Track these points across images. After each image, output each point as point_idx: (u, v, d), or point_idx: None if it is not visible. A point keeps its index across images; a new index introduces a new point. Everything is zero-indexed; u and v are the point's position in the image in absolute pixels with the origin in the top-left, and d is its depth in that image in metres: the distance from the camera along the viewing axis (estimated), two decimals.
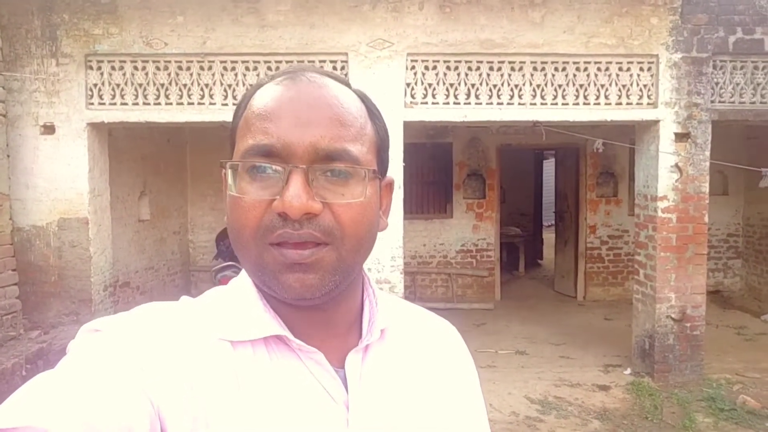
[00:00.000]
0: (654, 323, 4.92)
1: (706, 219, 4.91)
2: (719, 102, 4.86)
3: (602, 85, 4.79)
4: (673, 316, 4.88)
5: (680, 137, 4.80)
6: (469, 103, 4.76)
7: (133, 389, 0.55)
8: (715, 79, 4.84)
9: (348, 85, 0.68)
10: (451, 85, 4.76)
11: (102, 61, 4.65)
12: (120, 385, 0.54)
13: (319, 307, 0.65)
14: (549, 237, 10.63)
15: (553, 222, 9.24)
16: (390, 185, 0.72)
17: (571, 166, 8.08)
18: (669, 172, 4.84)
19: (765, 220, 7.66)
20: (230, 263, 5.47)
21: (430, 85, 4.76)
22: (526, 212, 11.30)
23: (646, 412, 4.45)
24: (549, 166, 11.17)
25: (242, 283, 0.69)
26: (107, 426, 0.51)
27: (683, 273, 4.88)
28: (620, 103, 4.80)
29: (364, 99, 0.69)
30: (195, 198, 7.72)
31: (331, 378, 0.64)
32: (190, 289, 7.66)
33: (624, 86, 4.80)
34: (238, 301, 0.67)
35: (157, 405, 0.56)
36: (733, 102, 4.87)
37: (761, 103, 4.86)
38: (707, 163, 4.84)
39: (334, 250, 0.60)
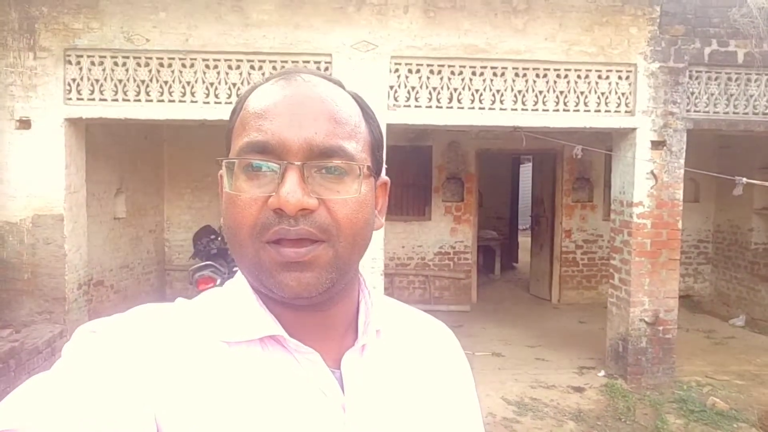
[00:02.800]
0: (628, 326, 5.03)
1: (680, 225, 5.04)
2: (694, 111, 4.99)
3: (582, 92, 4.88)
4: (646, 319, 4.99)
5: (656, 145, 4.92)
6: (452, 107, 4.80)
7: (130, 392, 0.55)
8: (691, 89, 4.97)
9: (342, 86, 0.68)
10: (434, 88, 4.80)
11: (81, 56, 4.57)
12: (116, 387, 0.54)
13: (316, 307, 0.65)
14: (524, 240, 10.76)
15: (529, 226, 9.36)
16: (386, 185, 0.73)
17: (548, 171, 8.20)
18: (645, 178, 4.95)
19: (734, 227, 7.87)
20: (208, 263, 5.42)
21: (413, 88, 4.79)
22: (503, 216, 11.42)
23: (620, 413, 4.55)
24: (526, 171, 11.31)
25: (238, 284, 0.69)
26: (104, 429, 0.51)
27: (657, 277, 5.00)
28: (599, 111, 4.90)
29: (358, 100, 0.69)
30: (172, 196, 7.62)
31: (327, 378, 0.64)
32: (165, 288, 7.56)
33: (603, 94, 4.90)
34: (234, 302, 0.67)
35: (154, 407, 0.56)
36: (707, 111, 5.01)
37: (734, 113, 5.00)
38: (682, 171, 4.96)
39: (331, 247, 0.61)
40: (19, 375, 4.06)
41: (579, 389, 5.01)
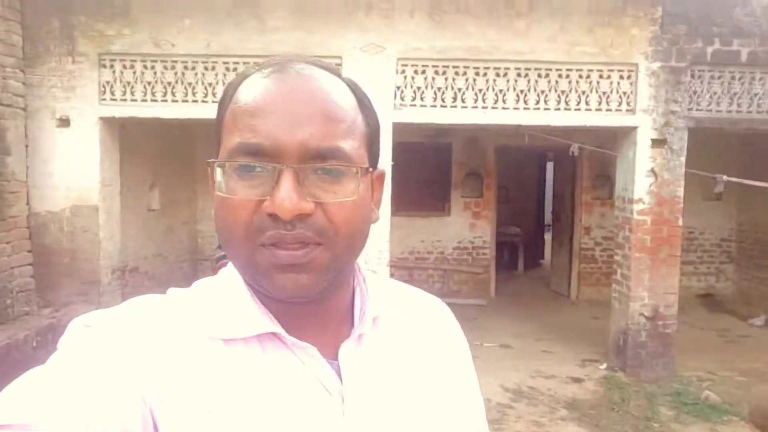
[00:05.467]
0: (628, 321, 5.15)
1: (681, 222, 5.12)
2: (696, 110, 5.06)
3: (583, 92, 5.03)
4: (645, 314, 5.11)
5: (657, 143, 5.02)
6: (456, 107, 5.03)
7: (126, 387, 0.55)
8: (693, 88, 5.05)
9: (338, 74, 0.66)
10: (439, 88, 5.04)
11: (114, 60, 5.02)
12: (112, 382, 0.54)
13: (311, 301, 0.64)
14: (550, 237, 10.82)
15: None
16: (381, 177, 0.71)
17: (568, 168, 8.29)
18: (645, 176, 5.06)
19: (757, 225, 7.79)
20: None
21: (418, 88, 5.04)
22: (529, 212, 11.51)
23: (614, 403, 4.69)
24: (551, 168, 11.35)
25: (232, 277, 0.68)
26: (100, 423, 0.51)
27: (657, 273, 5.11)
28: (600, 109, 5.03)
29: (354, 89, 0.67)
30: (204, 190, 8.09)
31: (325, 371, 0.64)
32: (198, 276, 8.03)
33: (604, 93, 5.03)
34: (229, 297, 0.66)
35: (149, 403, 0.56)
36: (710, 110, 5.07)
37: (737, 111, 5.05)
38: (682, 169, 5.05)
39: (328, 250, 0.60)
40: (55, 348, 4.53)
41: (578, 380, 5.17)
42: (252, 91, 0.61)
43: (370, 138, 0.66)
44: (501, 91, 5.03)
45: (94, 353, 0.57)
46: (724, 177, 4.44)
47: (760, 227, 7.71)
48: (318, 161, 0.59)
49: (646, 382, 5.07)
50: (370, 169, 0.65)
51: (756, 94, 5.01)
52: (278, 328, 0.63)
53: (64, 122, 5.03)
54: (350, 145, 0.61)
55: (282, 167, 0.57)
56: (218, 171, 0.61)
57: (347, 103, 0.63)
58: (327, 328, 0.68)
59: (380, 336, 0.71)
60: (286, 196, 0.56)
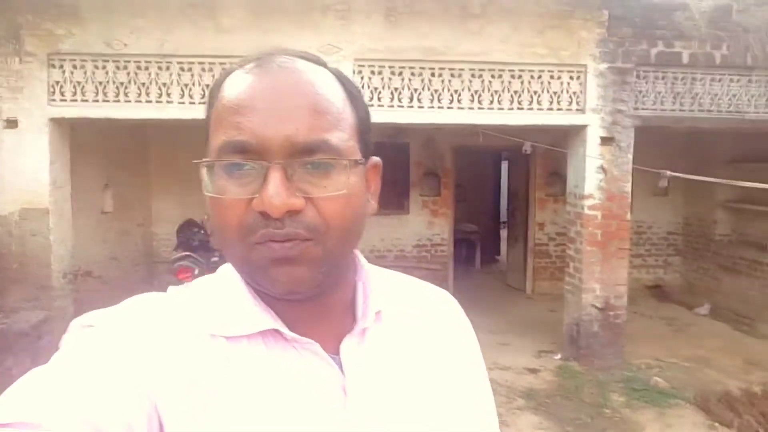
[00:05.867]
0: (580, 312, 5.34)
1: (629, 216, 5.34)
2: (642, 109, 5.28)
3: (535, 92, 5.18)
4: (597, 305, 5.30)
5: (606, 141, 5.22)
6: (412, 107, 5.11)
7: (130, 385, 0.55)
8: (639, 88, 5.26)
9: (323, 64, 0.66)
10: (396, 89, 5.11)
11: (64, 60, 4.90)
12: (117, 381, 0.54)
13: (311, 297, 0.64)
14: (506, 234, 11.06)
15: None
16: (377, 166, 0.70)
17: (522, 166, 8.49)
18: (595, 173, 5.25)
19: (701, 220, 8.16)
20: (187, 253, 5.75)
21: (375, 88, 5.10)
22: (486, 210, 11.73)
23: (568, 392, 4.86)
24: (507, 167, 11.59)
25: (232, 275, 0.68)
26: (106, 422, 0.51)
27: (607, 266, 5.31)
28: (552, 109, 5.20)
29: (341, 79, 0.66)
30: (159, 192, 7.96)
31: (327, 366, 0.64)
32: (153, 280, 7.91)
33: (555, 93, 5.20)
34: (230, 295, 0.66)
35: (154, 401, 0.56)
36: (655, 109, 5.30)
37: (680, 110, 5.30)
38: (630, 165, 5.26)
39: (319, 244, 0.60)
40: (5, 356, 4.40)
41: (534, 371, 5.33)
42: (235, 87, 0.60)
43: (360, 129, 0.65)
44: (456, 91, 5.14)
45: (98, 351, 0.57)
46: (668, 173, 4.65)
47: (704, 221, 8.09)
48: (306, 156, 0.58)
49: (599, 371, 5.26)
50: (362, 161, 0.64)
51: (697, 94, 5.26)
52: (279, 325, 0.63)
53: (12, 123, 4.88)
54: (338, 137, 0.60)
55: (269, 164, 0.57)
56: (206, 171, 0.60)
57: (333, 94, 0.62)
58: (329, 323, 0.68)
59: (384, 331, 0.70)
60: (275, 192, 0.56)
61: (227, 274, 0.69)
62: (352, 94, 0.66)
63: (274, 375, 0.62)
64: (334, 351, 0.66)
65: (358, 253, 0.72)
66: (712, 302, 7.66)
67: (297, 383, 0.62)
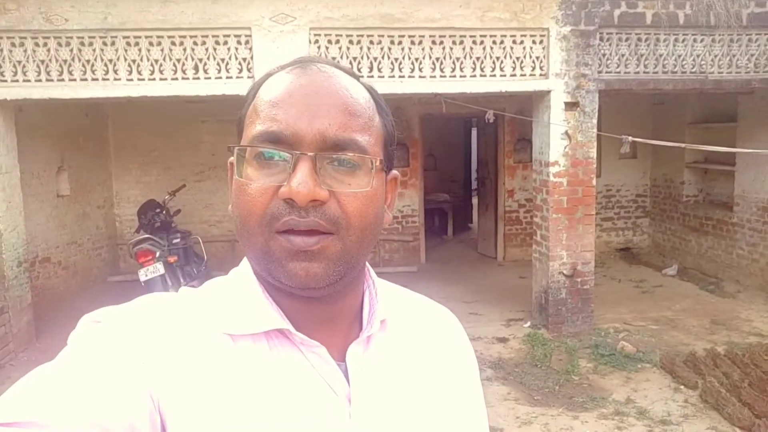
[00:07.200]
0: (548, 279, 5.33)
1: (594, 182, 5.30)
2: (606, 72, 5.20)
3: (497, 58, 5.06)
4: (564, 272, 5.30)
5: (570, 106, 5.14)
6: (372, 77, 4.95)
7: (134, 383, 0.56)
8: (602, 51, 5.17)
9: (356, 77, 0.68)
10: (354, 58, 4.94)
11: (1, 38, 4.62)
12: (121, 379, 0.55)
13: (322, 300, 0.65)
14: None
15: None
16: (396, 180, 0.73)
17: (491, 133, 8.41)
18: (560, 139, 5.18)
19: (669, 181, 8.20)
20: (147, 236, 5.58)
21: (333, 58, 4.91)
22: (456, 179, 11.66)
23: (536, 360, 4.87)
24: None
25: (243, 273, 0.69)
26: (108, 421, 0.52)
27: (574, 233, 5.28)
28: (515, 75, 5.09)
29: (372, 92, 0.69)
30: (119, 172, 7.72)
31: (333, 371, 0.65)
32: (118, 263, 7.72)
33: (518, 59, 5.08)
34: (240, 294, 0.67)
35: (157, 399, 0.57)
36: (619, 72, 5.22)
37: (644, 72, 5.23)
38: (595, 131, 5.20)
39: (339, 240, 0.61)
40: None
41: (503, 340, 5.33)
42: (275, 85, 0.63)
43: (386, 140, 0.68)
44: (417, 59, 4.99)
45: (102, 349, 0.57)
46: (629, 138, 4.60)
47: (671, 183, 8.13)
48: (335, 151, 0.60)
49: (567, 337, 5.29)
50: (385, 168, 0.67)
51: (661, 55, 5.19)
52: (287, 325, 0.64)
53: None
54: (366, 140, 0.62)
55: (299, 154, 0.59)
56: (237, 158, 0.62)
57: (365, 101, 0.65)
58: (336, 328, 0.69)
59: (388, 339, 0.72)
60: (303, 181, 0.58)
61: (241, 273, 0.70)
62: (381, 107, 0.69)
63: (277, 377, 0.62)
64: (339, 358, 0.67)
65: (368, 266, 0.74)
66: (679, 263, 7.76)
67: (301, 387, 0.63)
